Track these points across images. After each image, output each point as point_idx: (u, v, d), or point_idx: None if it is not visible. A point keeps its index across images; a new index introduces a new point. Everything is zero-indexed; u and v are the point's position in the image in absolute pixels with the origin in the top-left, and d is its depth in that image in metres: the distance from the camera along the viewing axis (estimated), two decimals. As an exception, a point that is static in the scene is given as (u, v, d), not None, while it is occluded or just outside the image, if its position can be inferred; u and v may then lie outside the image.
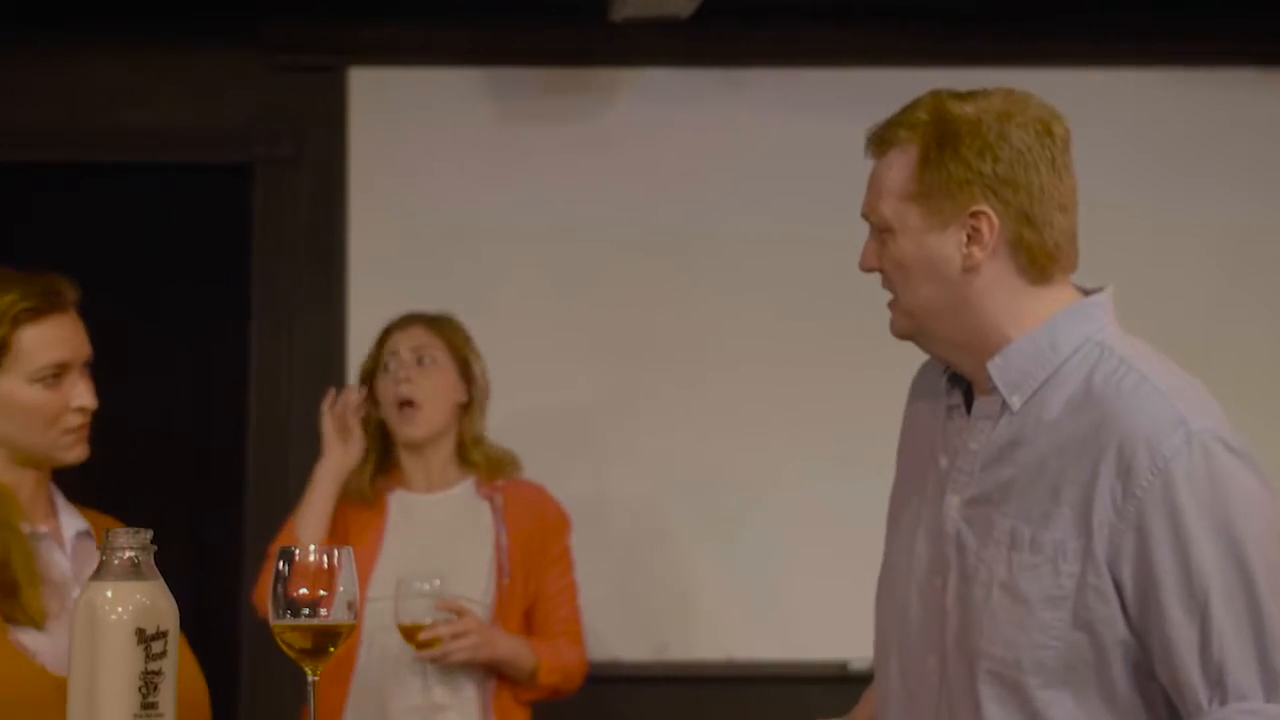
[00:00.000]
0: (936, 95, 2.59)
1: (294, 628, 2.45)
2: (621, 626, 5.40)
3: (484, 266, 5.49)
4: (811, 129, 5.50)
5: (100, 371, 4.15)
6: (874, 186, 2.64)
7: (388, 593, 4.09)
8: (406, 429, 4.27)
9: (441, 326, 4.40)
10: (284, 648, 2.51)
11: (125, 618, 2.37)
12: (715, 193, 5.53)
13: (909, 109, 2.60)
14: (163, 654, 2.39)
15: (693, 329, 5.51)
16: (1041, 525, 2.43)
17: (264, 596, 3.68)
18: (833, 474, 5.33)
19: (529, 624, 4.18)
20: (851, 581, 5.03)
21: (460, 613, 4.01)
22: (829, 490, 5.33)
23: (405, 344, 4.34)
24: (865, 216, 2.66)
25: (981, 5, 5.44)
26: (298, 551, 2.53)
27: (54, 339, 3.14)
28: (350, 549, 2.56)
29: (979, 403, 2.58)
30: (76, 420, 3.16)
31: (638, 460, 5.50)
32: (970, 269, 2.52)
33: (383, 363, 4.33)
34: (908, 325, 2.63)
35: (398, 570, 4.12)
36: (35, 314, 3.10)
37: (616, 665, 5.36)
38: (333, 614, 2.47)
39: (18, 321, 3.07)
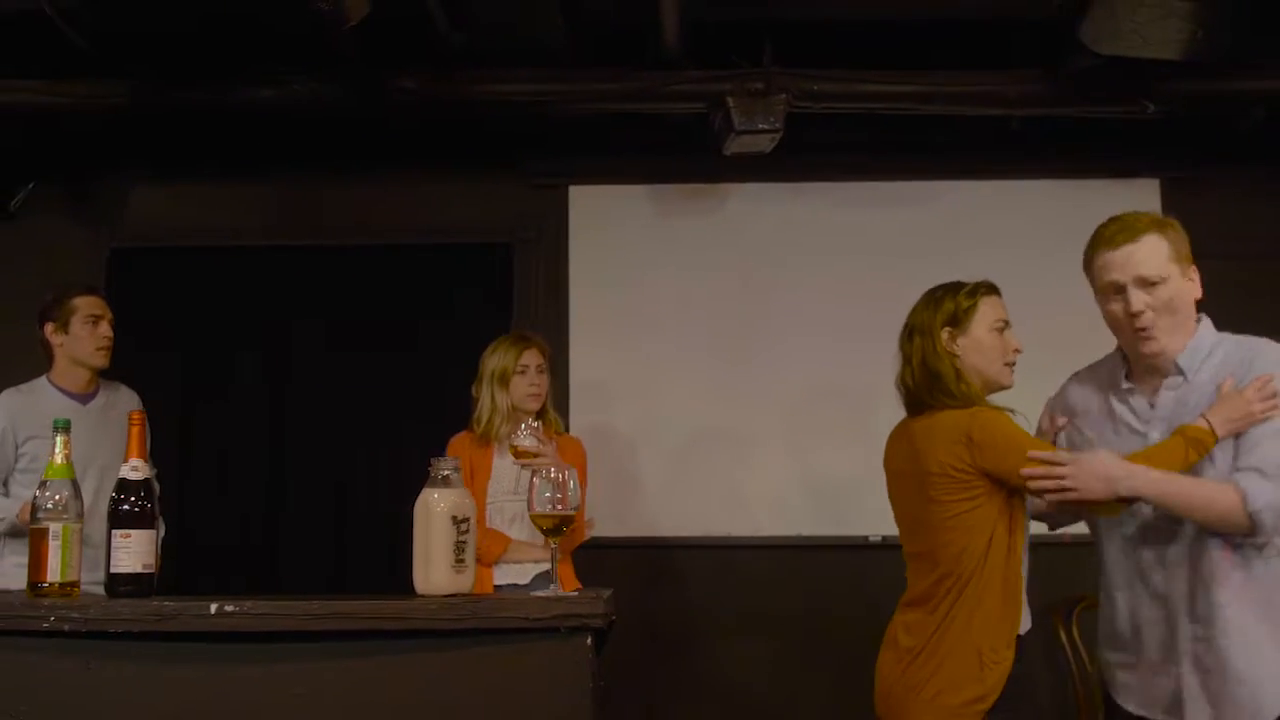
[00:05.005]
0: (1142, 213, 2.80)
1: (543, 515, 2.55)
2: (733, 511, 5.48)
3: (649, 300, 5.59)
4: (848, 221, 5.60)
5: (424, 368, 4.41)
6: (1147, 257, 2.73)
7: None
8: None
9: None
10: (537, 527, 2.60)
11: (445, 509, 2.46)
12: (787, 257, 5.60)
13: (1131, 218, 2.77)
14: (467, 531, 2.48)
15: (774, 328, 5.55)
16: None
17: None
18: (859, 422, 5.31)
19: None
20: (871, 484, 5.30)
21: (547, 441, 3.88)
22: (858, 425, 5.33)
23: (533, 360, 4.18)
24: (1144, 276, 2.74)
25: (951, 140, 5.43)
26: (547, 471, 2.57)
27: (997, 305, 3.02)
28: (574, 469, 2.61)
29: (1167, 381, 2.77)
30: (1014, 358, 3.02)
31: (743, 406, 5.51)
32: (1197, 300, 2.77)
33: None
34: (1166, 342, 2.76)
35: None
36: (990, 289, 3.03)
37: (728, 537, 5.46)
38: (566, 507, 2.55)
39: (976, 293, 2.99)
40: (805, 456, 5.49)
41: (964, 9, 4.71)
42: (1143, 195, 5.52)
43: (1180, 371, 2.77)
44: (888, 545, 5.20)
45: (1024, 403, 3.02)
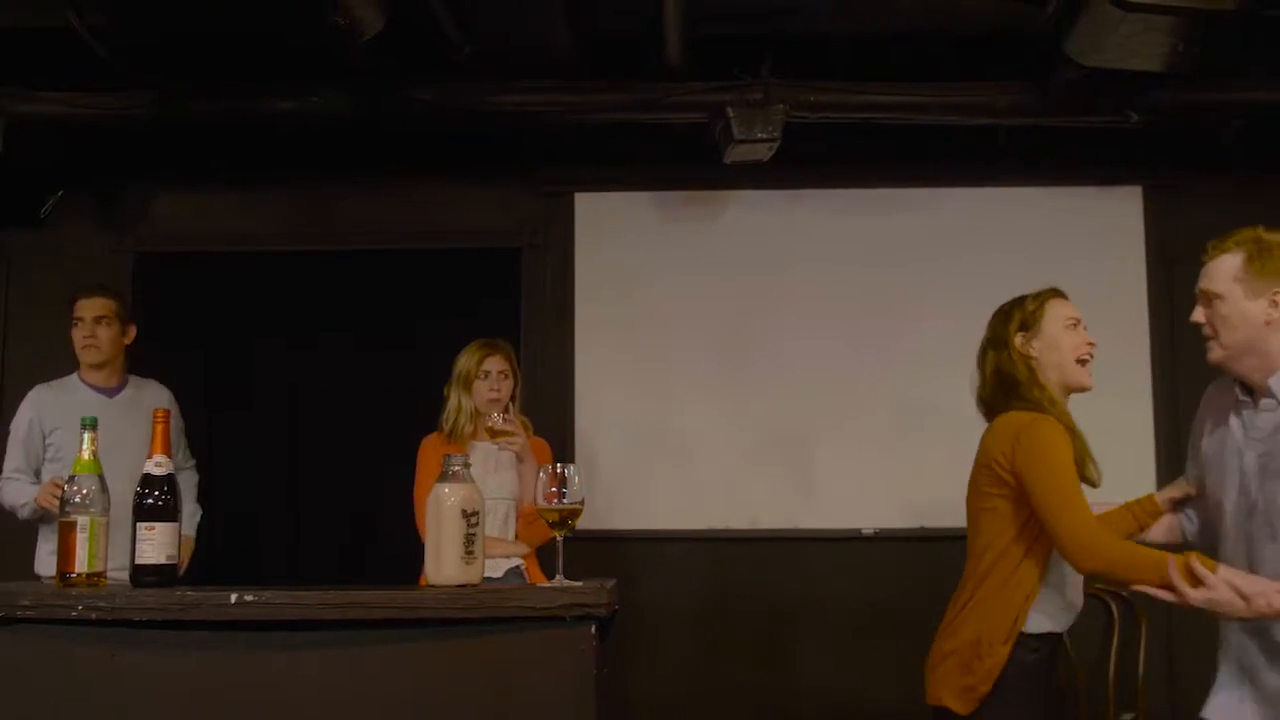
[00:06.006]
0: (1253, 228, 2.69)
1: (548, 509, 2.57)
2: (734, 507, 5.44)
3: (651, 302, 5.54)
4: (844, 226, 5.57)
5: (435, 369, 4.41)
6: (1212, 272, 2.68)
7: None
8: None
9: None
10: (543, 521, 2.62)
11: (456, 503, 2.47)
12: (784, 262, 5.56)
13: (1234, 233, 2.68)
14: (476, 524, 2.46)
15: (771, 330, 5.52)
16: None
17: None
18: (853, 421, 5.38)
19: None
20: (864, 480, 5.30)
21: (520, 426, 3.93)
22: (855, 429, 5.38)
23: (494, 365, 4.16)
24: (1203, 289, 2.69)
25: (943, 148, 5.39)
26: (549, 467, 2.58)
27: (1065, 304, 2.97)
28: (575, 465, 2.63)
29: (1264, 401, 2.65)
30: (1087, 354, 2.94)
31: (743, 406, 5.47)
32: (1268, 323, 2.63)
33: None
34: (1222, 355, 2.68)
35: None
36: (1055, 292, 2.99)
37: (727, 530, 5.42)
38: (567, 501, 2.56)
39: (1041, 296, 2.96)
40: (803, 455, 5.46)
41: (955, 24, 4.72)
42: (1126, 203, 5.52)
43: (1273, 394, 2.65)
44: (880, 539, 5.30)
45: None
